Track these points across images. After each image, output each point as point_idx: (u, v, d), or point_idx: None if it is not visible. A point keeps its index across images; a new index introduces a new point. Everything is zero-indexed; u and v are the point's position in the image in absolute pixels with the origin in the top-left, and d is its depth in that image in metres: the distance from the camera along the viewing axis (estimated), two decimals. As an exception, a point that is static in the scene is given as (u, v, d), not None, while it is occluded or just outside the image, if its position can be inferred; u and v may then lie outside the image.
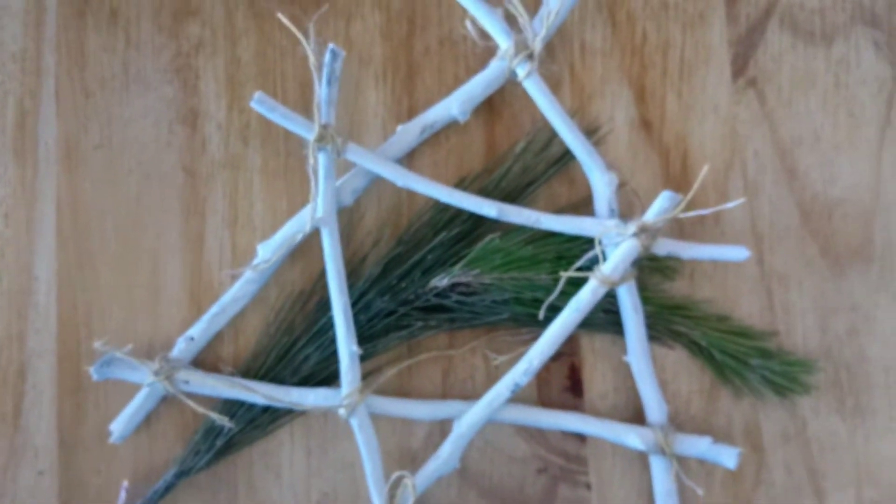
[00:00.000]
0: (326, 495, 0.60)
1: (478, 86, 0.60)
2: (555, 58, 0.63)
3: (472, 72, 0.62)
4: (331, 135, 0.57)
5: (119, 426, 0.59)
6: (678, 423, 0.60)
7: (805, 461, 0.61)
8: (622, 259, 0.56)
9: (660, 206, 0.57)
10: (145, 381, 0.58)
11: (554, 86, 0.62)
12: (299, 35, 0.56)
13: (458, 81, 0.62)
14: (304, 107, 0.62)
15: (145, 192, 0.62)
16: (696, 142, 0.62)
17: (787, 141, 0.63)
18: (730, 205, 0.56)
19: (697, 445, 0.58)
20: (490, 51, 0.61)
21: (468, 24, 0.61)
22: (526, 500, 0.61)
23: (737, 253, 0.58)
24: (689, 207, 0.56)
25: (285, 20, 0.57)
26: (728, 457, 0.58)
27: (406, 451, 0.61)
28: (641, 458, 0.60)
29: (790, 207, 0.62)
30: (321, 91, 0.57)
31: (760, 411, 0.61)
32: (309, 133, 0.57)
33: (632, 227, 0.56)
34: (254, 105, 0.56)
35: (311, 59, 0.57)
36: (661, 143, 0.62)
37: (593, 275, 0.57)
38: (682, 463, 0.59)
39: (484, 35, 0.60)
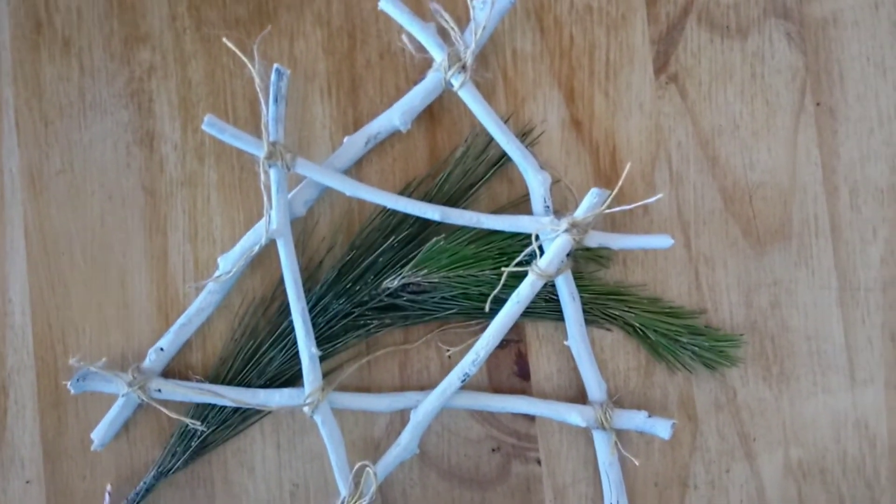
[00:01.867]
0: (297, 486, 0.65)
1: (417, 97, 0.64)
2: (488, 65, 0.66)
3: (412, 81, 0.66)
4: (280, 151, 0.60)
5: (99, 434, 0.63)
6: (618, 399, 0.65)
7: (736, 427, 0.66)
8: (556, 254, 0.61)
9: (589, 203, 0.61)
10: (120, 392, 0.62)
11: (489, 91, 0.66)
12: (244, 58, 0.60)
13: (399, 91, 0.66)
14: (255, 123, 0.65)
15: (109, 212, 0.65)
16: (623, 137, 0.67)
17: (708, 131, 0.67)
18: (651, 199, 0.61)
19: (634, 419, 0.63)
20: (427, 61, 0.64)
21: (404, 38, 0.65)
22: (482, 478, 0.66)
23: (662, 241, 0.62)
24: (617, 201, 0.61)
25: (230, 45, 0.61)
26: (662, 428, 0.63)
27: (369, 440, 0.66)
28: (586, 433, 0.65)
29: (713, 193, 0.67)
30: (269, 110, 0.61)
31: (693, 383, 0.66)
32: (259, 151, 0.60)
33: (564, 224, 0.61)
34: (205, 128, 0.60)
35: (257, 80, 0.60)
36: (591, 140, 0.67)
37: (531, 269, 0.61)
38: (622, 435, 0.64)
39: (420, 48, 0.64)
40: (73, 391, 0.61)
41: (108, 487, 0.64)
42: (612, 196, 0.60)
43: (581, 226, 0.61)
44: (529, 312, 0.63)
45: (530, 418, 0.66)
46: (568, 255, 0.62)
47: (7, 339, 0.65)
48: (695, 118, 0.67)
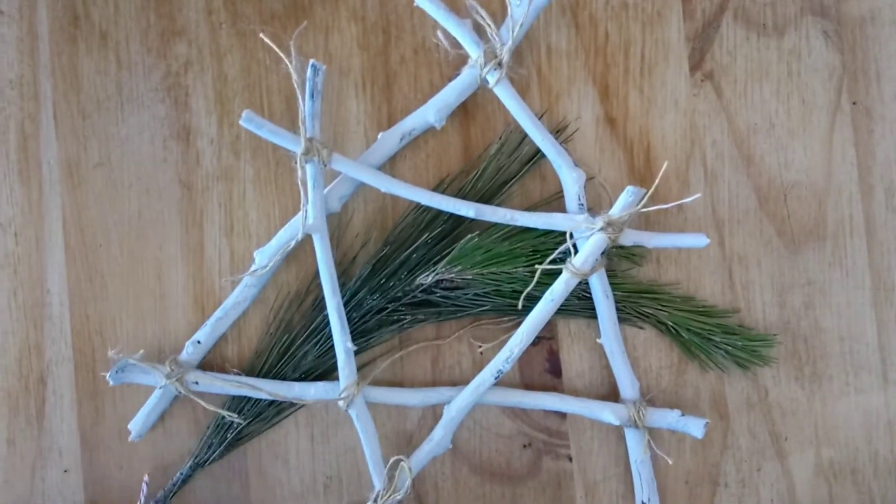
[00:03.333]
0: (331, 478, 0.66)
1: (452, 93, 0.64)
2: (523, 61, 0.66)
3: (446, 77, 0.66)
4: (316, 147, 0.61)
5: (136, 425, 0.64)
6: (650, 396, 0.66)
7: (768, 426, 0.66)
8: (591, 252, 0.61)
9: (624, 201, 0.61)
10: (158, 384, 0.63)
11: (523, 88, 0.66)
12: (281, 53, 0.60)
13: (433, 87, 0.66)
14: (291, 118, 0.66)
15: (145, 206, 0.66)
16: (657, 135, 0.67)
17: (743, 129, 0.67)
18: (687, 199, 0.61)
19: (667, 418, 0.64)
20: (462, 57, 0.64)
21: (439, 34, 0.65)
22: (513, 474, 0.66)
23: (697, 240, 0.62)
24: (652, 199, 0.61)
25: (267, 40, 0.61)
26: (695, 427, 0.63)
27: (402, 433, 0.66)
28: (617, 430, 0.66)
29: (748, 192, 0.67)
30: (305, 105, 0.61)
31: (725, 382, 0.66)
32: (296, 147, 0.61)
33: (599, 222, 0.61)
34: (242, 123, 0.60)
35: (294, 75, 0.60)
36: (625, 137, 0.66)
37: (566, 267, 0.61)
38: (654, 433, 0.65)
39: (455, 43, 0.64)
40: (111, 383, 0.62)
41: (146, 478, 0.65)
42: (647, 195, 0.60)
43: (616, 224, 0.61)
44: (562, 310, 0.64)
45: (561, 415, 0.66)
46: (602, 253, 0.62)
47: (45, 330, 0.66)
48: (730, 116, 0.67)
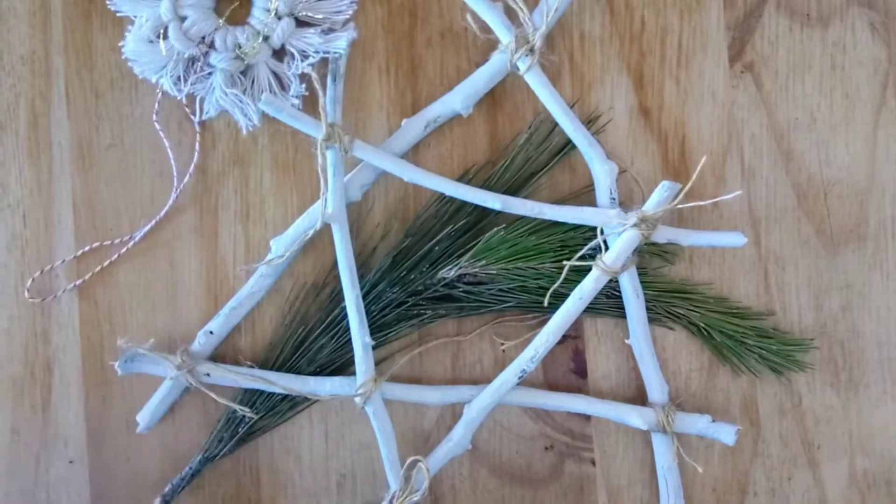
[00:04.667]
0: (345, 476, 0.63)
1: (480, 80, 0.61)
2: (554, 48, 0.64)
3: (474, 63, 0.63)
4: (338, 133, 0.58)
5: (145, 417, 0.61)
6: (678, 400, 0.63)
7: (800, 434, 0.64)
8: (623, 249, 0.58)
9: (659, 196, 0.59)
10: (168, 375, 0.60)
11: (554, 76, 0.63)
12: (304, 35, 0.57)
13: (460, 73, 0.63)
14: (311, 102, 0.63)
15: (159, 189, 0.64)
16: (693, 128, 0.64)
17: (783, 124, 0.64)
18: (728, 196, 0.58)
19: (697, 423, 0.61)
20: (492, 42, 0.62)
21: (469, 17, 0.62)
22: (534, 477, 0.64)
23: (734, 239, 0.60)
24: (686, 195, 0.58)
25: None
26: (726, 434, 0.61)
27: (419, 432, 0.64)
28: (643, 434, 0.63)
29: (786, 189, 0.64)
30: (327, 90, 0.59)
31: (757, 387, 0.64)
32: (317, 132, 0.58)
33: (632, 218, 0.58)
34: (262, 106, 0.58)
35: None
36: (659, 129, 0.64)
37: (596, 264, 0.59)
38: (681, 438, 0.62)
39: (485, 27, 0.61)
40: (120, 372, 0.60)
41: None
42: (683, 191, 0.57)
43: (650, 220, 0.58)
44: (589, 308, 0.61)
45: (585, 417, 0.64)
46: (634, 250, 0.59)
47: (53, 316, 0.63)
48: (770, 110, 0.64)
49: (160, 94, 0.62)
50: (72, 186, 0.64)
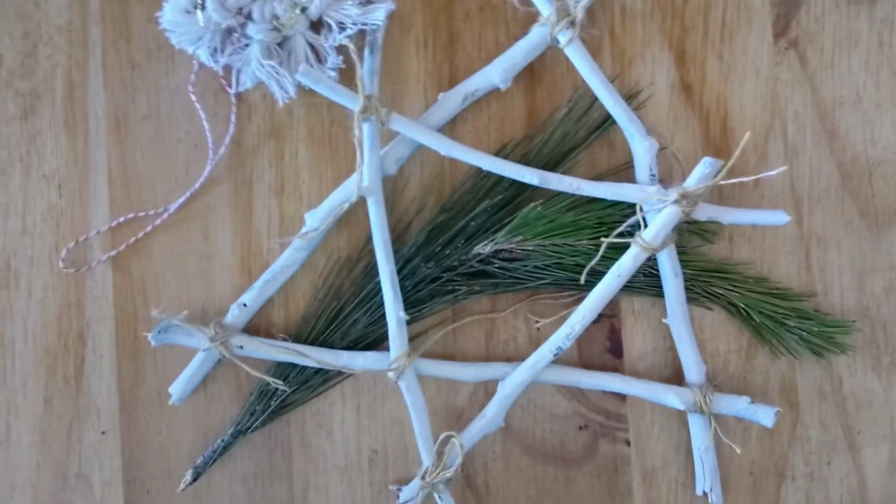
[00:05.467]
0: (376, 452, 0.63)
1: (519, 53, 0.60)
2: (595, 22, 0.63)
3: (512, 36, 0.62)
4: (375, 105, 0.57)
5: (177, 389, 0.61)
6: (716, 382, 0.62)
7: (840, 417, 0.63)
8: (663, 226, 0.57)
9: (700, 173, 0.57)
10: (201, 347, 0.60)
11: (594, 50, 0.62)
12: (342, 5, 0.57)
13: (498, 46, 0.62)
14: (347, 75, 0.62)
15: (194, 161, 0.63)
16: (736, 104, 0.63)
17: (827, 102, 0.63)
18: (772, 172, 0.57)
19: (735, 405, 0.60)
20: (530, 15, 0.61)
21: (508, -11, 0.61)
22: (567, 456, 0.63)
23: (777, 217, 0.58)
24: (728, 173, 0.57)
25: (327, -10, 0.58)
26: (766, 416, 0.60)
27: (451, 409, 0.63)
28: (679, 415, 0.62)
29: (830, 168, 0.63)
30: (364, 62, 0.58)
31: (797, 370, 0.63)
32: (353, 104, 0.57)
33: (673, 194, 0.57)
34: (299, 77, 0.57)
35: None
36: (701, 106, 0.63)
37: (634, 241, 0.58)
38: (718, 420, 0.61)
39: (525, 0, 0.61)
40: (153, 343, 0.60)
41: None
42: (726, 168, 0.56)
43: (691, 197, 0.57)
44: (626, 287, 0.60)
45: (621, 397, 0.63)
46: (673, 228, 0.58)
47: (87, 287, 0.63)
48: (814, 87, 0.63)
49: (196, 65, 0.62)
50: (107, 157, 0.63)
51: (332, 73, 0.61)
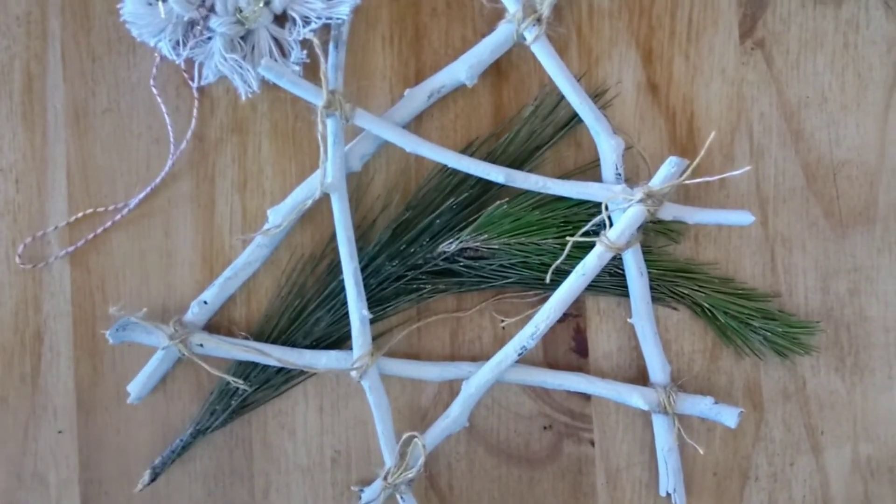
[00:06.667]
0: (339, 452, 0.62)
1: (486, 50, 0.60)
2: (562, 19, 0.62)
3: (479, 33, 0.62)
4: (339, 101, 0.57)
5: (136, 388, 0.60)
6: (681, 382, 0.62)
7: (804, 418, 0.63)
8: (628, 225, 0.57)
9: (666, 172, 0.57)
10: (161, 345, 0.59)
11: (561, 48, 0.62)
12: None
13: (465, 43, 0.62)
14: (312, 69, 0.61)
15: (155, 156, 0.62)
16: (702, 104, 0.62)
17: (793, 102, 0.63)
18: (736, 172, 0.57)
19: (699, 405, 0.60)
20: (498, 11, 0.60)
21: (475, -15, 0.61)
22: (531, 456, 0.63)
23: (742, 217, 0.58)
24: (694, 172, 0.57)
25: (291, -16, 0.57)
26: (729, 416, 0.59)
27: (416, 409, 0.63)
28: (644, 416, 0.62)
29: (795, 169, 0.63)
30: (328, 56, 0.58)
31: (761, 370, 0.63)
32: (317, 99, 0.57)
33: (638, 193, 0.57)
34: (262, 71, 0.56)
35: (319, 23, 0.57)
36: (667, 105, 0.62)
37: (600, 240, 0.57)
38: (682, 421, 0.61)
39: (492, -3, 0.60)
40: (111, 341, 0.59)
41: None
42: (692, 167, 0.56)
43: (657, 196, 0.57)
44: (591, 286, 0.60)
45: (585, 397, 0.63)
46: (639, 227, 0.58)
47: (44, 283, 0.62)
48: (780, 88, 0.63)
49: (158, 58, 0.61)
50: (66, 151, 0.62)
51: (296, 68, 0.60)
